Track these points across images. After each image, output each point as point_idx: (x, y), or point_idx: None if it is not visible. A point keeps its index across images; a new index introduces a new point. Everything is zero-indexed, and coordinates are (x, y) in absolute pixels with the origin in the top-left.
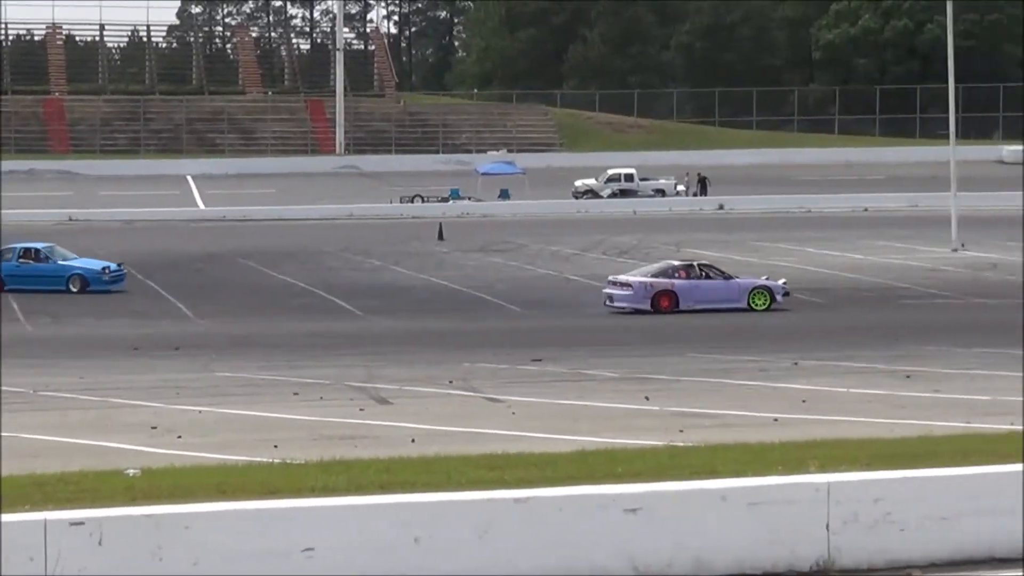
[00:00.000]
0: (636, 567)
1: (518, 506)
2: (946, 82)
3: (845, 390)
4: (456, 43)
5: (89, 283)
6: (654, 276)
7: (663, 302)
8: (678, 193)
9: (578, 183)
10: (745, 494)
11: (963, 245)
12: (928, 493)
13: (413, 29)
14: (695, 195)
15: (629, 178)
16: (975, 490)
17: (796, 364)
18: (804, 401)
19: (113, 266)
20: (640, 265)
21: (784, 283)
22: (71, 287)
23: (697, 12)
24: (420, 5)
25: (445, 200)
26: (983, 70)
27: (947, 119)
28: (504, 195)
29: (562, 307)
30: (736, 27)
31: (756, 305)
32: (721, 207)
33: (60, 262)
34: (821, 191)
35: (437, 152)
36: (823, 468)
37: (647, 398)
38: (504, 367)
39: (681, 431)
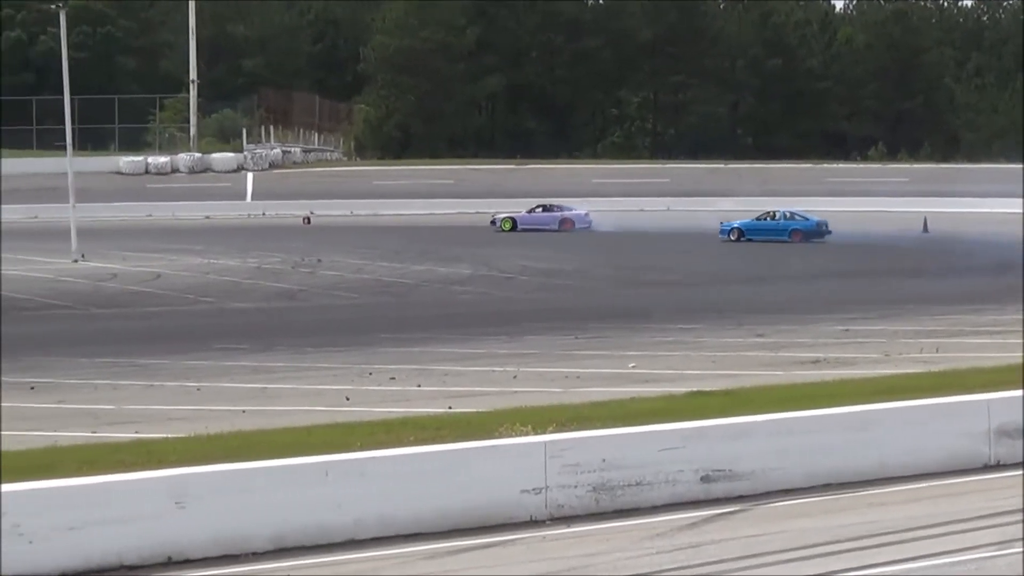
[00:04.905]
0: None
1: None
2: (62, 94)
3: None
4: None
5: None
6: None
7: None
8: None
9: None
10: None
11: (83, 256)
12: (55, 504)
13: None
14: None
15: None
16: (100, 500)
17: None
18: None
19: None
20: None
21: None
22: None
23: None
24: None
25: None
26: (97, 82)
27: (64, 130)
28: None
29: None
30: None
31: None
32: None
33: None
34: None
35: None
36: None
37: None
38: None
39: None
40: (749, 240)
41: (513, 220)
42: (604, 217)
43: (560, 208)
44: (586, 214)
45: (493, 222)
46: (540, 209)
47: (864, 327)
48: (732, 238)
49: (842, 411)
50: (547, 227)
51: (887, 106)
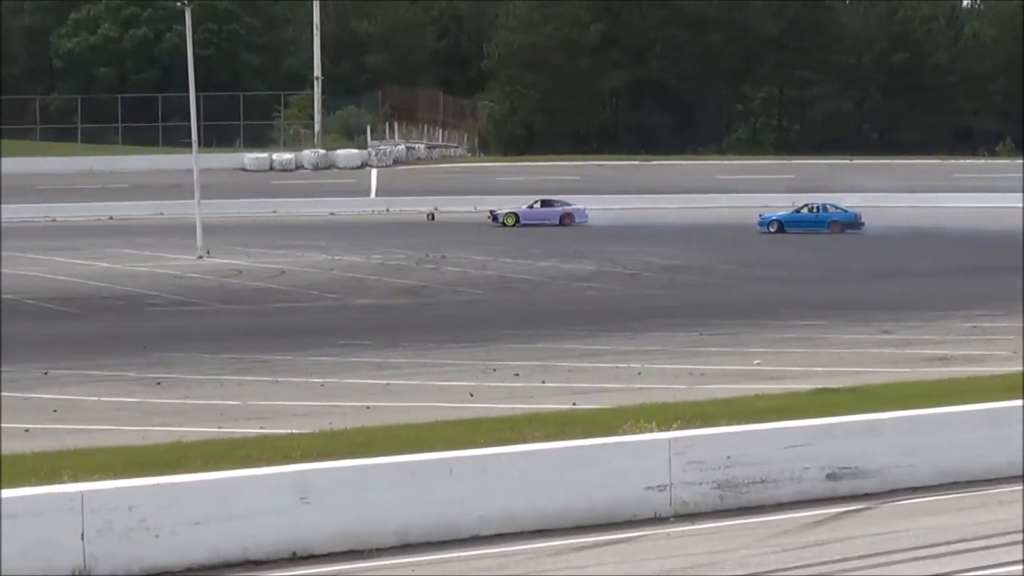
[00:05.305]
0: None
1: None
2: (187, 91)
3: (96, 399)
4: None
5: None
6: None
7: None
8: None
9: None
10: None
11: (208, 252)
12: (181, 499)
13: None
14: None
15: None
16: (225, 495)
17: (46, 374)
18: (55, 411)
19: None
20: None
21: None
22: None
23: None
24: None
25: None
26: (222, 79)
27: (189, 127)
28: None
29: None
30: None
31: None
32: None
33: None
34: (65, 200)
35: None
36: (76, 478)
37: None
38: None
39: None
40: (786, 232)
41: (516, 215)
42: (730, 214)
43: (560, 203)
44: (583, 209)
45: (495, 218)
46: (539, 204)
47: (992, 324)
48: (772, 230)
49: (971, 408)
50: (548, 221)
51: (1015, 101)
